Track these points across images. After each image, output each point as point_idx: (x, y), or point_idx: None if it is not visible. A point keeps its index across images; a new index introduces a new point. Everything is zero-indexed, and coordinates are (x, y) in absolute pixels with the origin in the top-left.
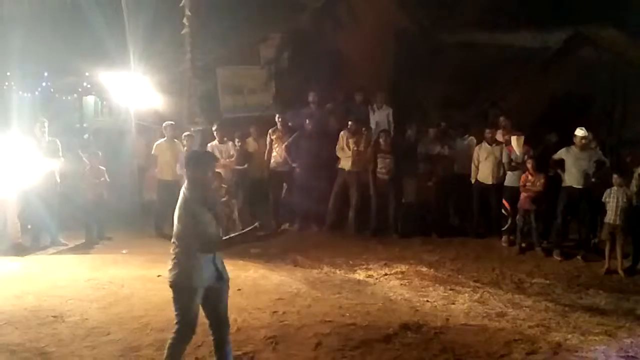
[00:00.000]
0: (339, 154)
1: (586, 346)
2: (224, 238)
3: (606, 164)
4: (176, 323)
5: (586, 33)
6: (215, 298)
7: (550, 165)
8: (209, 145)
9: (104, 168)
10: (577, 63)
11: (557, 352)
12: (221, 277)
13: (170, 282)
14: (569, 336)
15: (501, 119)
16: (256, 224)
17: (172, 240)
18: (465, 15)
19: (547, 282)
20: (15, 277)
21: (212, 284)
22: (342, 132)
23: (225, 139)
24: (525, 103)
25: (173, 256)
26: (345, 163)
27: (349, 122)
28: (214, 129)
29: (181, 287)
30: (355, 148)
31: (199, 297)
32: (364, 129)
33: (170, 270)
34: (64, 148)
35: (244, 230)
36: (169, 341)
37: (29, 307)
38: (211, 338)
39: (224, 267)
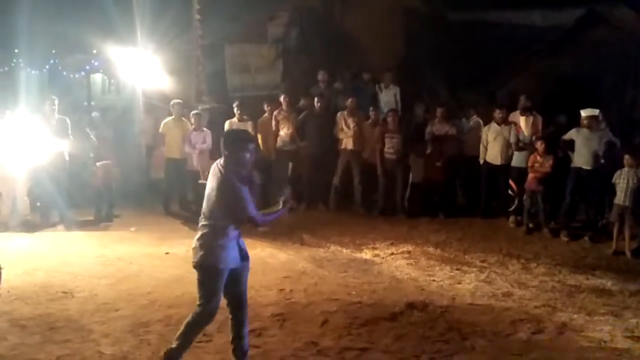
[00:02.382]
0: (340, 135)
1: (592, 326)
2: (262, 213)
3: (617, 145)
4: (199, 305)
5: (599, 12)
6: (236, 279)
7: (559, 146)
8: (227, 122)
9: (112, 147)
10: (588, 43)
11: (563, 332)
12: (246, 257)
13: (196, 263)
14: (575, 316)
15: (522, 97)
16: (284, 196)
17: (202, 222)
18: None
19: (554, 262)
20: (25, 254)
21: (237, 265)
22: (338, 114)
23: (245, 117)
24: (535, 83)
25: (199, 237)
26: (348, 142)
27: (349, 101)
28: (234, 105)
29: (207, 269)
30: (355, 127)
31: (224, 279)
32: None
33: (196, 251)
34: (74, 126)
35: (279, 207)
36: (189, 319)
37: (38, 283)
38: (221, 317)
39: (245, 246)
